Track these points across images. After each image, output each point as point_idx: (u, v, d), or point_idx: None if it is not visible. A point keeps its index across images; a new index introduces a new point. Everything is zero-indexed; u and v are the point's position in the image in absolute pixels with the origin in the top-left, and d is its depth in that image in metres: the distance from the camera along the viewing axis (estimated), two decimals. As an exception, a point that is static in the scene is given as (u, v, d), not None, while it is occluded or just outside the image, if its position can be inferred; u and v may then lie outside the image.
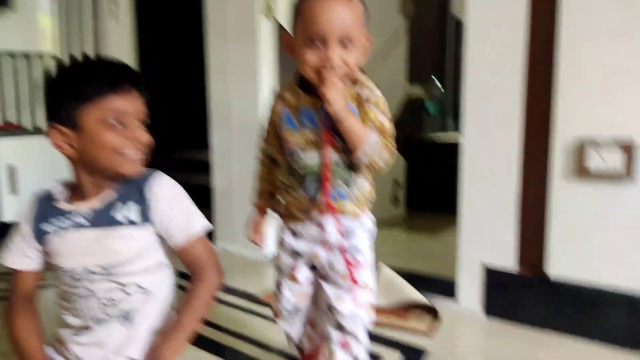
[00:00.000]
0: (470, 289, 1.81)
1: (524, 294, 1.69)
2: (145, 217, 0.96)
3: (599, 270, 1.54)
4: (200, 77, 2.72)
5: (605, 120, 1.49)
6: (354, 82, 1.04)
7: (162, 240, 1.00)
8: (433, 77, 4.04)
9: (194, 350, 1.47)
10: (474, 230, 1.79)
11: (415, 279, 1.93)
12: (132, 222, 0.95)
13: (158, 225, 0.97)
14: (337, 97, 0.96)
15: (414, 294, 1.81)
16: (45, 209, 0.99)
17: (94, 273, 0.94)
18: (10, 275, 1.02)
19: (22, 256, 1.00)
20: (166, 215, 0.97)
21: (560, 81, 1.55)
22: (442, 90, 4.11)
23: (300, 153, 1.07)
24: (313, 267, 1.15)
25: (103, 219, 0.95)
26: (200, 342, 1.52)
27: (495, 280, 1.75)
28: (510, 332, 1.66)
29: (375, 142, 1.01)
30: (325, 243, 1.09)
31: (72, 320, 0.98)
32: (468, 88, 1.74)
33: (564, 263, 1.61)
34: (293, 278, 1.16)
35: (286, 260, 1.16)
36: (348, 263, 1.07)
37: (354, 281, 1.08)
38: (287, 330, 1.24)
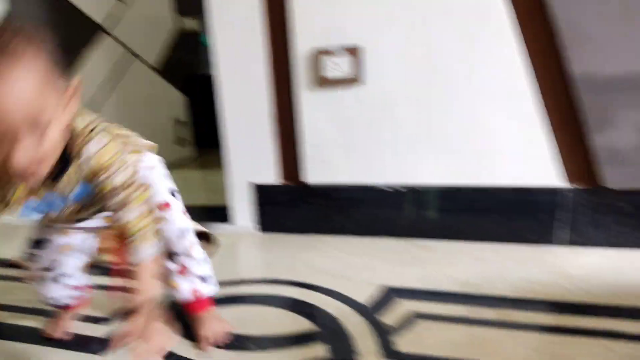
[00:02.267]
0: (243, 210, 1.86)
1: (290, 205, 1.80)
2: None
3: (346, 171, 1.70)
4: None
5: (335, 29, 1.60)
6: (70, 153, 0.82)
7: None
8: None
9: None
10: (239, 154, 1.83)
11: (197, 211, 1.92)
12: None
13: None
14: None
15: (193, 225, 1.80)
16: None
17: None
18: None
19: None
20: None
21: (292, -5, 1.61)
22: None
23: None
24: None
25: None
26: None
27: (263, 197, 1.83)
28: (283, 241, 1.76)
29: (149, 247, 0.90)
30: None
31: None
32: (214, 15, 1.73)
33: (317, 170, 1.74)
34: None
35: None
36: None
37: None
38: (45, 291, 1.16)
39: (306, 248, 1.69)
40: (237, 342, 1.15)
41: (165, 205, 1.06)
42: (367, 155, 1.67)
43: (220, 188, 2.54)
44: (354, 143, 1.67)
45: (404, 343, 1.08)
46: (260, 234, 1.85)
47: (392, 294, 1.29)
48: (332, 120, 1.67)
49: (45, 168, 0.73)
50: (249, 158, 1.82)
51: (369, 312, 1.21)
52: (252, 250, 1.77)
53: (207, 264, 1.17)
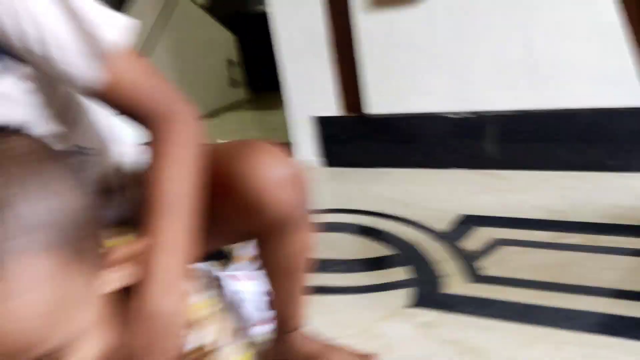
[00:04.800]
0: (306, 144, 1.85)
1: (353, 138, 1.77)
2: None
3: (410, 99, 1.65)
4: None
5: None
6: None
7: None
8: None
9: None
10: (299, 88, 1.80)
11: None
12: None
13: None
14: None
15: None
16: None
17: None
18: None
19: None
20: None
21: None
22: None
23: None
24: None
25: None
26: None
27: (325, 130, 1.81)
28: (348, 174, 1.75)
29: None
30: None
31: None
32: None
33: (380, 98, 1.68)
34: None
35: None
36: None
37: None
38: None
39: (373, 180, 1.67)
40: (320, 266, 1.16)
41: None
42: (430, 80, 1.60)
43: (279, 126, 2.53)
44: (415, 67, 1.60)
45: (488, 266, 1.06)
46: (325, 168, 1.84)
47: (471, 221, 1.27)
48: (390, 43, 1.60)
49: None
50: (310, 91, 1.78)
51: (448, 238, 1.20)
52: (317, 183, 1.77)
53: None
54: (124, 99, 0.54)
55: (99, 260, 0.42)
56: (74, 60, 0.50)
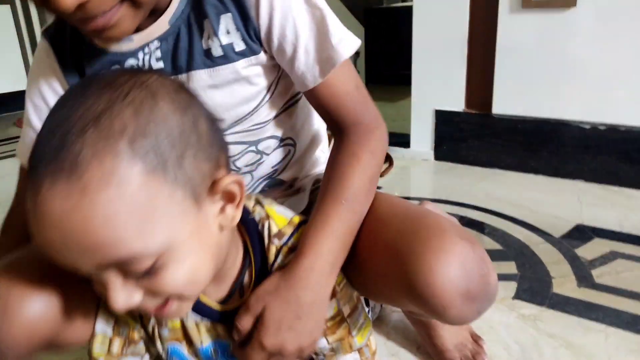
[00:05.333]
0: (422, 136, 1.89)
1: (472, 135, 1.78)
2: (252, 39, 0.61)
3: (542, 104, 1.62)
4: None
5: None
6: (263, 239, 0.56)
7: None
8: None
9: None
10: (427, 78, 1.83)
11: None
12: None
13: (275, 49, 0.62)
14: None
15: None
16: (75, 49, 0.63)
17: None
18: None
19: None
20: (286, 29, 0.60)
21: None
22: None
23: None
24: None
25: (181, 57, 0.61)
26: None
27: (445, 125, 1.83)
28: (458, 170, 1.77)
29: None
30: None
31: None
32: None
33: (509, 100, 1.67)
34: None
35: None
36: None
37: None
38: None
39: (485, 179, 1.67)
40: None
41: None
42: (567, 87, 1.56)
43: (395, 118, 2.58)
44: (553, 72, 1.57)
45: (601, 275, 1.05)
46: (437, 162, 1.86)
47: (588, 232, 1.24)
48: (531, 46, 1.58)
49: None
50: (438, 85, 1.81)
51: (561, 244, 1.19)
52: (425, 176, 1.81)
53: None
54: (332, 103, 0.61)
55: (202, 184, 0.43)
56: (312, 66, 0.60)
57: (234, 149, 0.66)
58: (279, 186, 0.74)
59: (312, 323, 0.51)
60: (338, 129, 0.62)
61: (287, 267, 0.52)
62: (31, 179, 0.38)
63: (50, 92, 0.64)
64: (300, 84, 0.62)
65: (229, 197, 0.45)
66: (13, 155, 2.01)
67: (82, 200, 0.36)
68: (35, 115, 0.65)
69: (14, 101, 3.52)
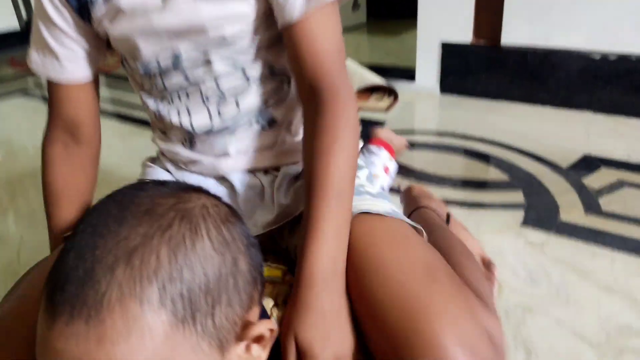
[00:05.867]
0: (428, 69, 1.85)
1: (479, 67, 1.74)
2: None
3: (552, 33, 1.58)
4: None
5: None
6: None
7: None
8: None
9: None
10: (433, 9, 1.77)
11: (376, 70, 1.96)
12: None
13: None
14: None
15: (375, 78, 1.85)
16: None
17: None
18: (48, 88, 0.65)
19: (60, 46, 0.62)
20: None
21: None
22: None
23: None
24: None
25: None
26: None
27: (451, 57, 1.79)
28: (464, 103, 1.75)
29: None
30: None
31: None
32: None
33: (519, 30, 1.63)
34: None
35: None
36: None
37: None
38: None
39: (492, 111, 1.66)
40: (431, 180, 1.22)
41: None
42: (578, 16, 1.51)
43: (398, 52, 2.53)
44: (564, 0, 1.52)
45: (608, 203, 1.06)
46: (443, 95, 1.84)
47: (596, 161, 1.24)
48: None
49: None
50: (444, 18, 1.76)
51: (569, 173, 1.19)
52: (431, 109, 1.79)
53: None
54: (310, 52, 0.55)
55: (232, 331, 0.38)
56: None
57: (218, 69, 0.61)
58: (272, 128, 0.66)
59: (342, 318, 0.50)
60: (311, 94, 0.56)
61: (292, 294, 0.50)
62: (49, 301, 0.35)
63: None
64: (281, 17, 0.56)
65: (258, 339, 0.41)
66: (7, 95, 1.97)
67: (98, 348, 0.33)
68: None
69: (5, 41, 3.42)
